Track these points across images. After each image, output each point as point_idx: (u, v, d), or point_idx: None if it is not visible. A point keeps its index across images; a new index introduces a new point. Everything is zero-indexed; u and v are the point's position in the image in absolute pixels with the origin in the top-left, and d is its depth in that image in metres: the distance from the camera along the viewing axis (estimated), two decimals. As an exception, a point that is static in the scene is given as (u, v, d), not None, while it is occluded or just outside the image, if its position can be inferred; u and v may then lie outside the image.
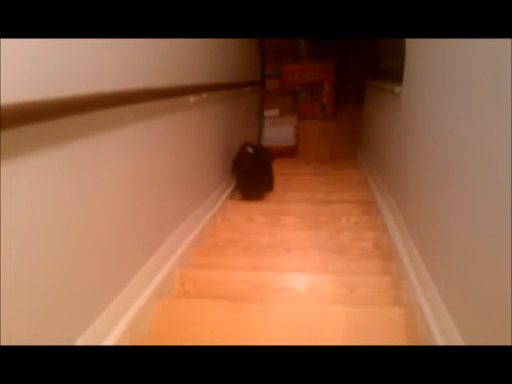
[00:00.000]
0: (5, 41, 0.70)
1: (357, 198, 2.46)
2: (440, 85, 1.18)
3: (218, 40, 2.26)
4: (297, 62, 4.16)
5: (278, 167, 3.06)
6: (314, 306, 1.33)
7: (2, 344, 0.73)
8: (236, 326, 1.30)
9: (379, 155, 2.51)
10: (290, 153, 3.86)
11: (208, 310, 1.35)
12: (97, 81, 1.01)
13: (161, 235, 1.47)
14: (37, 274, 0.83)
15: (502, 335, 0.76)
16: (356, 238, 1.88)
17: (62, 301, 0.91)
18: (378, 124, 2.64)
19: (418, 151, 1.42)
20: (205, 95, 1.82)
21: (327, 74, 4.02)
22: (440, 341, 1.04)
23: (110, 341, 1.08)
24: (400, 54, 1.76)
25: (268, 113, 3.92)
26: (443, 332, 1.05)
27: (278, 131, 3.87)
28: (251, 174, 2.53)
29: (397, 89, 1.80)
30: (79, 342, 0.97)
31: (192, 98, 1.69)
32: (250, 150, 2.54)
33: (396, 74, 1.89)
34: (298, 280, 1.53)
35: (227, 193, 2.46)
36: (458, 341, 0.95)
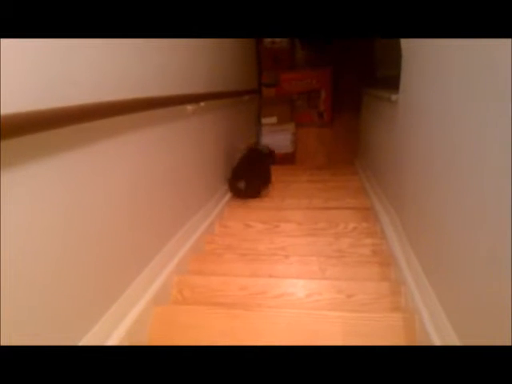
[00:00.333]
0: (5, 50, 0.71)
1: (354, 204, 2.46)
2: (436, 92, 1.19)
3: (215, 49, 2.28)
4: (294, 71, 4.20)
5: (276, 174, 3.07)
6: (312, 313, 1.32)
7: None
8: (234, 332, 1.30)
9: (376, 162, 2.53)
10: (287, 160, 3.88)
11: (206, 316, 1.35)
12: (96, 90, 1.01)
13: (158, 242, 1.47)
14: (34, 282, 0.83)
15: (500, 340, 0.76)
16: (354, 244, 1.88)
17: (59, 308, 0.91)
18: (375, 131, 2.65)
19: (415, 157, 1.43)
20: (202, 104, 1.83)
21: (324, 81, 4.05)
22: (439, 346, 1.04)
23: (108, 348, 1.08)
24: (396, 62, 1.78)
25: (266, 120, 3.94)
26: (442, 338, 1.05)
27: (276, 138, 3.88)
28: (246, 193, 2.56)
29: (393, 96, 1.82)
30: (77, 349, 0.96)
31: (190, 107, 1.70)
32: (241, 185, 2.53)
33: (392, 82, 1.91)
34: (296, 286, 1.53)
35: (225, 200, 2.46)
36: (456, 346, 0.95)
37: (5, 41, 0.71)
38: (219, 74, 2.40)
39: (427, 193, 1.26)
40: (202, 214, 1.98)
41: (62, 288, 0.91)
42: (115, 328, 1.14)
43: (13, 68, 0.74)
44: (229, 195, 2.56)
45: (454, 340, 0.97)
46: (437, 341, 1.06)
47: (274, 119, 3.94)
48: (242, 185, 2.52)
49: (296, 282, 1.54)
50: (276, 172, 3.07)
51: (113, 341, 1.10)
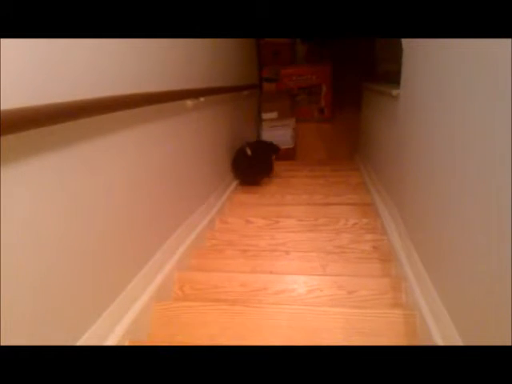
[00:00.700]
0: (5, 48, 0.71)
1: (355, 200, 2.46)
2: (437, 86, 1.18)
3: (215, 44, 2.27)
4: (294, 66, 4.18)
5: (276, 169, 3.07)
6: (313, 309, 1.32)
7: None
8: (235, 329, 1.30)
9: (377, 157, 2.52)
10: (288, 155, 3.87)
11: (207, 313, 1.35)
12: (94, 86, 1.01)
13: (159, 238, 1.47)
14: (33, 279, 0.83)
15: (501, 336, 0.76)
16: (355, 240, 1.88)
17: (59, 305, 0.91)
18: (375, 126, 2.64)
19: (416, 152, 1.43)
20: (202, 99, 1.82)
21: (325, 77, 4.03)
22: (440, 342, 1.04)
23: (109, 344, 1.08)
24: (397, 57, 1.77)
25: (266, 115, 3.92)
26: (443, 334, 1.05)
27: (276, 134, 3.87)
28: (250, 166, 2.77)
29: (394, 91, 1.81)
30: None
31: (189, 102, 1.69)
32: (248, 151, 2.74)
33: (393, 77, 1.90)
34: (297, 282, 1.53)
35: (225, 195, 2.46)
36: (457, 342, 0.95)
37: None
38: (219, 68, 2.39)
39: (428, 188, 1.26)
40: (202, 210, 1.98)
41: (62, 285, 0.91)
42: (116, 324, 1.14)
43: (10, 64, 0.73)
44: (229, 191, 2.55)
45: (454, 336, 0.97)
46: (437, 337, 1.06)
47: (274, 114, 3.93)
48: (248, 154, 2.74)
49: (297, 279, 1.54)
50: (276, 167, 3.08)
51: (114, 337, 1.10)
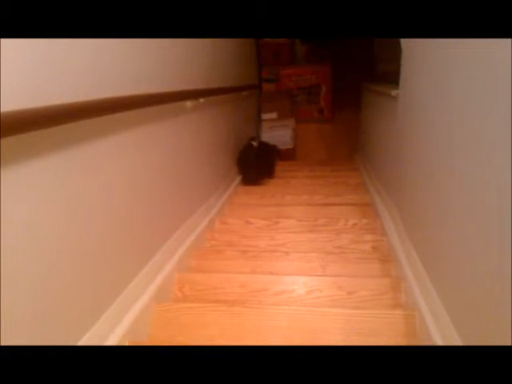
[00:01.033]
0: (5, 49, 0.71)
1: (355, 200, 2.46)
2: (436, 86, 1.18)
3: (214, 45, 2.27)
4: (294, 66, 4.18)
5: (276, 170, 3.07)
6: (312, 310, 1.33)
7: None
8: (235, 330, 1.30)
9: (377, 157, 2.52)
10: (287, 155, 3.87)
11: (207, 314, 1.35)
12: (94, 87, 1.01)
13: (159, 239, 1.47)
14: (33, 280, 0.83)
15: (501, 336, 0.76)
16: (354, 240, 1.88)
17: (59, 306, 0.91)
18: (375, 126, 2.65)
19: (416, 152, 1.43)
20: (202, 100, 1.82)
21: (324, 77, 4.03)
22: (439, 343, 1.04)
23: (109, 344, 1.08)
24: (396, 58, 1.77)
25: (266, 116, 3.92)
26: (443, 334, 1.05)
27: (276, 134, 3.87)
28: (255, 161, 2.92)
29: (393, 92, 1.81)
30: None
31: (189, 103, 1.69)
32: (254, 143, 3.02)
33: (393, 77, 1.90)
34: (297, 283, 1.53)
35: (225, 196, 2.46)
36: (457, 343, 0.95)
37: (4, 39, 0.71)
38: (218, 69, 2.39)
39: (427, 188, 1.26)
40: (202, 210, 1.98)
41: (62, 286, 0.91)
42: (116, 325, 1.14)
43: (11, 65, 0.73)
44: (229, 192, 2.55)
45: (454, 336, 0.97)
46: (437, 337, 1.06)
47: (274, 115, 3.93)
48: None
49: (296, 279, 1.54)
50: (276, 168, 3.08)
51: (114, 338, 1.10)
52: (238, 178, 2.89)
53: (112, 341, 1.09)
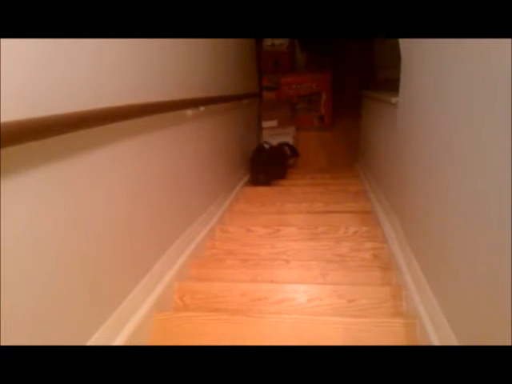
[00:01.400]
0: (5, 59, 0.72)
1: (355, 207, 2.46)
2: (436, 94, 1.19)
3: (215, 53, 2.28)
4: (294, 74, 4.20)
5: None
6: (313, 318, 1.32)
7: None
8: (236, 339, 1.30)
9: (377, 165, 2.52)
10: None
11: (207, 323, 1.34)
12: (94, 97, 1.02)
13: (159, 248, 1.47)
14: (32, 290, 0.83)
15: (501, 344, 0.75)
16: (355, 248, 1.88)
17: (59, 316, 0.91)
18: (375, 134, 2.65)
19: (416, 160, 1.43)
20: (202, 108, 1.83)
21: (324, 85, 4.05)
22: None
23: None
24: (396, 65, 1.78)
25: (266, 124, 3.94)
26: (443, 342, 1.04)
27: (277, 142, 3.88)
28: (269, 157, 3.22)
29: (393, 99, 1.82)
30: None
31: (189, 112, 1.70)
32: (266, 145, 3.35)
33: (392, 85, 1.91)
34: (298, 292, 1.52)
35: (226, 204, 2.46)
36: (458, 352, 0.95)
37: (4, 45, 0.72)
38: (219, 78, 2.41)
39: (428, 196, 1.26)
40: (202, 219, 1.98)
41: (61, 296, 0.91)
42: (116, 335, 1.14)
43: (11, 76, 0.74)
44: (229, 200, 2.56)
45: (454, 344, 0.96)
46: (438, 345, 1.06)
47: (274, 123, 3.94)
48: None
49: (297, 288, 1.54)
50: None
51: (113, 348, 1.10)
52: (239, 186, 2.89)
53: (112, 351, 1.09)
